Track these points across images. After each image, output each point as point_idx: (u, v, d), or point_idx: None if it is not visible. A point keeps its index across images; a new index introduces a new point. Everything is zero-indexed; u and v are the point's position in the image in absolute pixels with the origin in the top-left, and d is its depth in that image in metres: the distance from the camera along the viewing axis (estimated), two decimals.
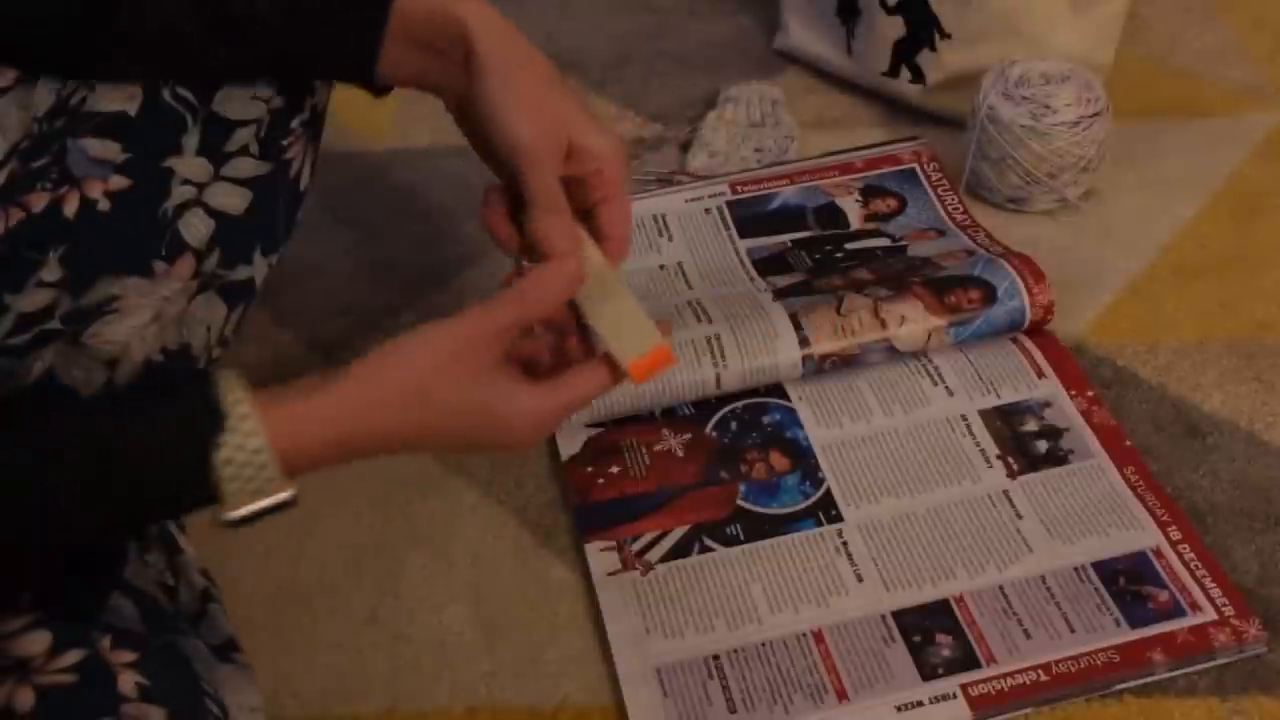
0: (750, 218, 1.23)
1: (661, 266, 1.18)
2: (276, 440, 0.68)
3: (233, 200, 0.88)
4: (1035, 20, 1.28)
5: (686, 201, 1.25)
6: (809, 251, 1.18)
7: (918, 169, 1.27)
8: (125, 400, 0.70)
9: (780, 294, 1.09)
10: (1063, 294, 1.12)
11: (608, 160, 0.82)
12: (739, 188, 1.26)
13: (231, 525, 0.69)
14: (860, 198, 1.24)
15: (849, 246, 1.18)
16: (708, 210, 1.24)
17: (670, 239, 1.21)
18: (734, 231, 1.22)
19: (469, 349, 0.74)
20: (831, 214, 1.23)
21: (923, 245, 1.17)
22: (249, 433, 0.67)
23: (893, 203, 1.24)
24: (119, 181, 0.84)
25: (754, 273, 1.16)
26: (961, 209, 1.22)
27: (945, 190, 1.24)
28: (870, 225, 1.21)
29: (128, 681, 0.66)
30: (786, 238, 1.20)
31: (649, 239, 1.21)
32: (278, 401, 0.69)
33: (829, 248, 1.18)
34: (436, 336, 0.74)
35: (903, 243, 1.18)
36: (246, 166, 0.88)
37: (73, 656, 0.66)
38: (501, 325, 0.74)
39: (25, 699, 0.63)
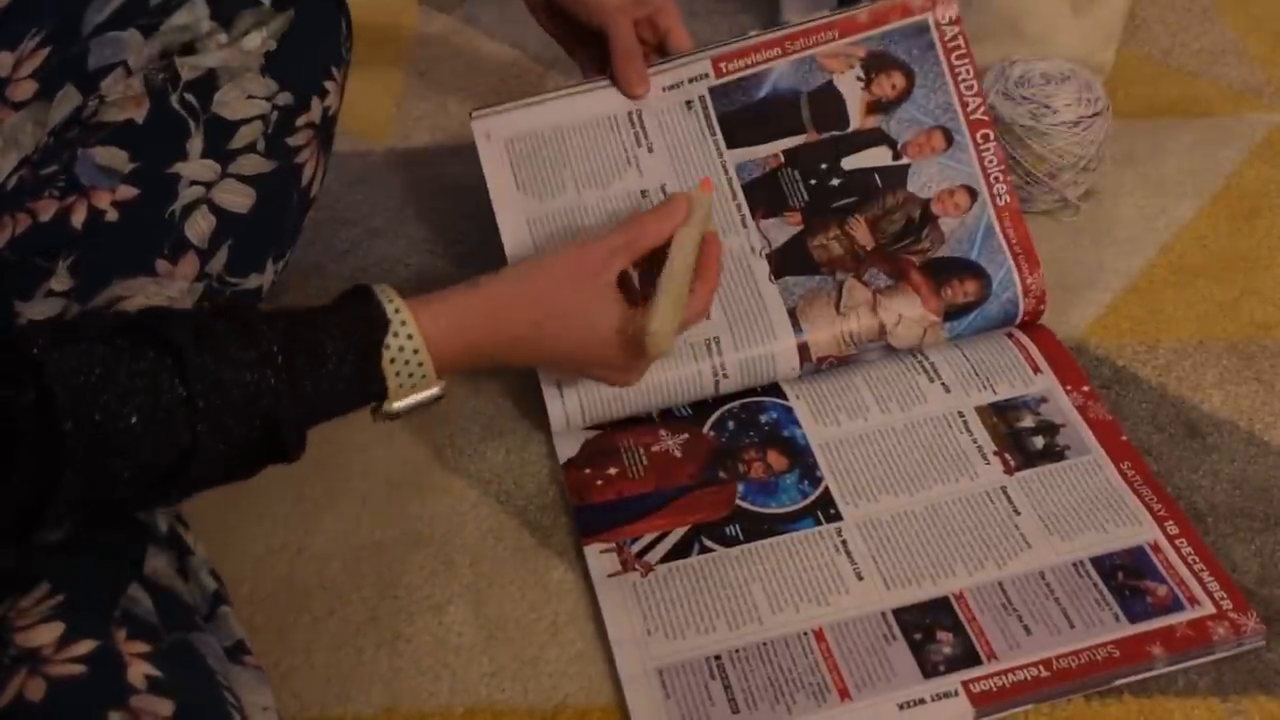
0: (737, 113, 1.10)
1: (644, 193, 1.07)
2: (429, 340, 0.80)
3: (237, 198, 0.89)
4: (1036, 20, 1.28)
5: (665, 90, 1.09)
6: (803, 172, 1.09)
7: (930, 21, 1.09)
8: (297, 314, 0.77)
9: (777, 267, 1.06)
10: (1063, 294, 1.12)
11: (664, 0, 1.07)
12: (723, 65, 1.10)
13: (389, 417, 0.81)
14: (862, 74, 1.10)
15: (847, 164, 1.09)
16: (689, 103, 1.10)
17: (650, 149, 1.09)
18: (719, 138, 1.09)
19: (581, 266, 0.89)
20: (829, 103, 1.10)
21: (927, 166, 1.09)
22: (409, 334, 0.79)
23: (899, 80, 1.10)
24: (126, 191, 0.85)
25: (746, 208, 1.08)
26: (975, 88, 1.09)
27: (960, 57, 1.09)
28: (872, 122, 1.09)
29: (138, 673, 0.67)
30: (778, 146, 1.09)
31: (626, 150, 1.09)
32: (424, 305, 0.82)
33: (825, 166, 1.09)
34: (555, 258, 0.90)
35: (905, 160, 1.09)
36: (252, 164, 0.89)
37: (84, 647, 0.67)
38: (613, 247, 0.90)
39: (36, 689, 0.64)
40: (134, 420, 0.67)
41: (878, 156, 1.09)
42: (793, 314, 1.05)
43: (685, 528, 0.96)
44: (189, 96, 0.87)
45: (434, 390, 0.82)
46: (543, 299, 0.88)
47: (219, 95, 0.88)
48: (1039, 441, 1.00)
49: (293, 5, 0.91)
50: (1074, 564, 0.92)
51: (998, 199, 1.08)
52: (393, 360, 0.79)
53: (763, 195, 1.08)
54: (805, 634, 0.89)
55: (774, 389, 1.05)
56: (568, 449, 1.03)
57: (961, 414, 1.02)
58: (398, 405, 0.81)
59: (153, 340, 0.70)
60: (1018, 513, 0.95)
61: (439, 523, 1.00)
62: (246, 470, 0.76)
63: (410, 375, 0.80)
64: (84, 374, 0.66)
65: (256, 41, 0.90)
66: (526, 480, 1.03)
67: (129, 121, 0.85)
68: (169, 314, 0.74)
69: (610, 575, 0.94)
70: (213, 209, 0.88)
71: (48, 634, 0.67)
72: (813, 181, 1.09)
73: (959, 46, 1.09)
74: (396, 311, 0.80)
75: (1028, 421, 1.01)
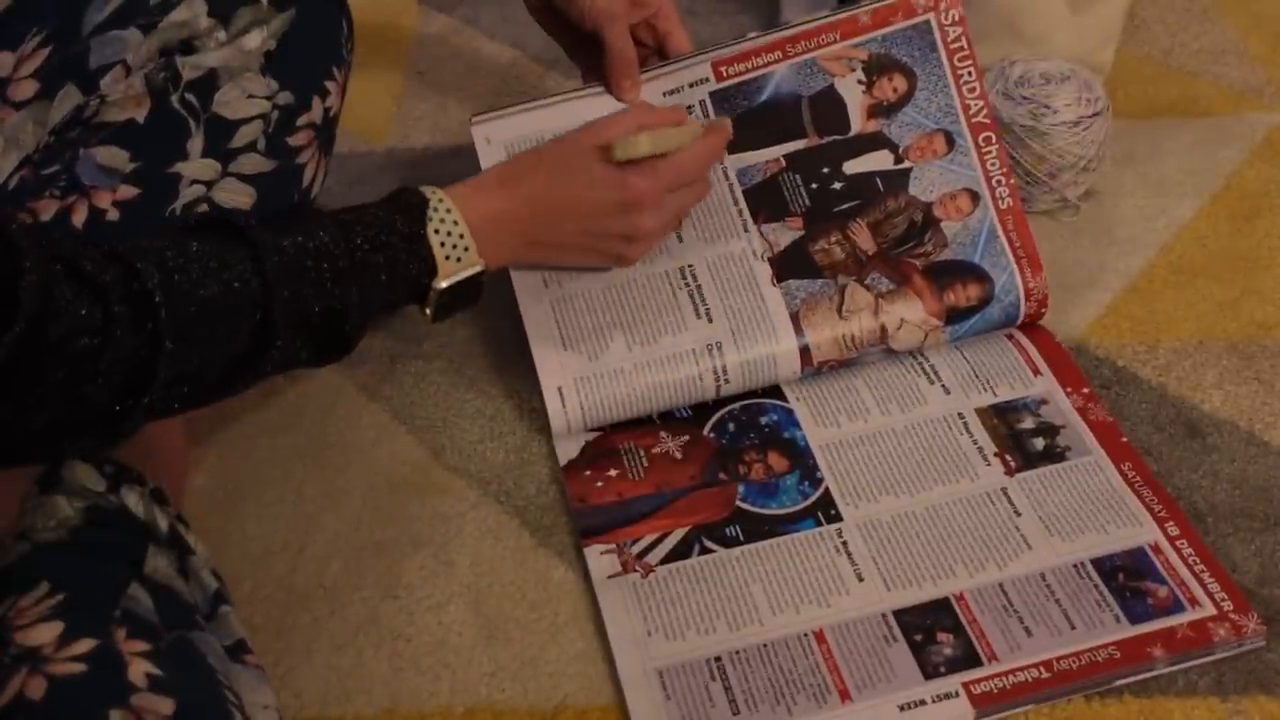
0: (738, 117, 1.08)
1: None
2: (464, 212, 0.86)
3: (238, 198, 0.89)
4: (1035, 20, 1.28)
5: (665, 95, 1.09)
6: (804, 177, 1.08)
7: (933, 22, 1.08)
8: (346, 210, 0.83)
9: (779, 271, 1.06)
10: (1063, 294, 1.12)
11: (662, 2, 1.07)
12: (724, 69, 1.09)
13: (439, 303, 0.86)
14: (863, 77, 1.09)
15: (848, 169, 1.08)
16: (689, 108, 1.08)
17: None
18: None
19: (587, 132, 0.95)
20: (830, 107, 1.09)
21: (929, 169, 1.08)
22: (448, 209, 0.85)
23: (901, 83, 1.08)
24: (127, 191, 0.85)
25: (747, 213, 1.08)
26: (977, 90, 1.08)
27: (962, 59, 1.08)
28: (873, 125, 1.09)
29: (138, 671, 0.67)
30: (779, 151, 1.09)
31: None
32: (453, 187, 0.88)
33: (826, 170, 1.09)
34: (561, 135, 0.97)
35: (906, 164, 1.08)
36: (253, 163, 0.89)
37: (84, 645, 0.67)
38: (615, 116, 0.97)
39: (37, 688, 0.64)
40: (215, 289, 0.71)
41: (879, 161, 1.09)
42: (794, 317, 1.05)
43: (685, 529, 0.96)
44: (189, 96, 0.87)
45: (478, 266, 0.87)
46: (555, 156, 0.94)
47: (219, 95, 0.88)
48: (1039, 443, 1.00)
49: (293, 5, 0.91)
50: (1075, 565, 0.92)
51: (1000, 202, 1.08)
52: (436, 231, 0.85)
53: (764, 200, 1.08)
54: (806, 635, 0.89)
55: (774, 391, 1.05)
56: (568, 450, 1.02)
57: (962, 415, 1.02)
58: (446, 283, 0.85)
59: (216, 225, 0.76)
60: (1018, 514, 0.95)
61: (439, 523, 1.00)
62: (316, 349, 0.80)
63: (454, 247, 0.85)
64: (159, 252, 0.70)
65: (256, 41, 0.90)
66: (526, 480, 1.03)
67: (130, 121, 0.85)
68: (224, 211, 0.83)
69: (610, 576, 0.94)
70: (212, 207, 0.88)
71: (48, 633, 0.67)
72: (814, 186, 1.08)
73: (962, 48, 1.08)
74: (433, 193, 0.86)
75: (1028, 423, 1.01)
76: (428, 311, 0.87)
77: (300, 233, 0.77)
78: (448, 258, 0.85)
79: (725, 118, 1.07)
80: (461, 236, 0.85)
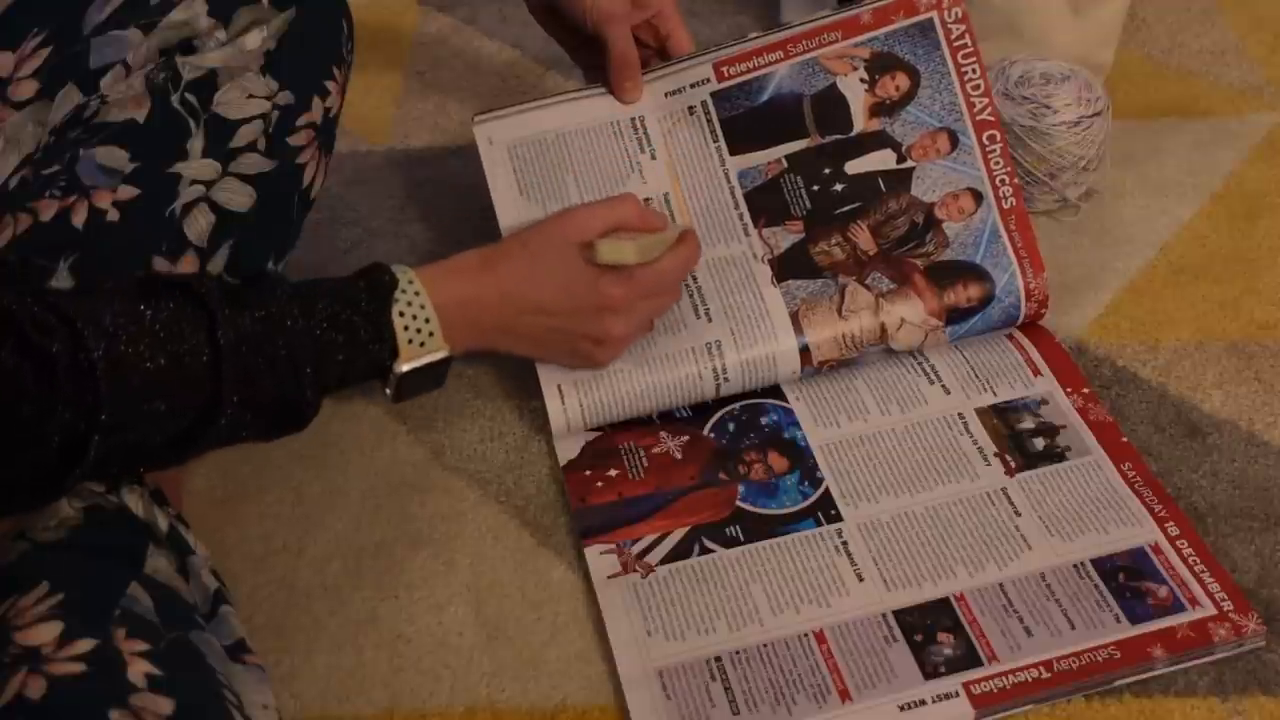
0: (739, 118, 1.08)
1: (647, 200, 1.07)
2: (434, 300, 0.84)
3: (237, 197, 0.89)
4: (1035, 20, 1.28)
5: (667, 95, 1.09)
6: (806, 178, 1.08)
7: (936, 20, 1.07)
8: (312, 282, 0.82)
9: (779, 272, 1.06)
10: (1063, 294, 1.12)
11: (663, 3, 1.07)
12: (725, 70, 1.08)
13: (400, 386, 0.84)
14: (866, 75, 1.08)
15: (850, 169, 1.08)
16: (691, 109, 1.09)
17: (653, 156, 1.09)
18: (722, 145, 1.08)
19: (565, 224, 0.93)
20: (832, 106, 1.09)
21: (932, 169, 1.08)
22: (416, 290, 0.84)
23: (903, 80, 1.08)
24: (127, 191, 0.85)
25: (748, 216, 1.08)
26: (982, 87, 1.08)
27: (966, 56, 1.08)
28: (875, 124, 1.08)
29: (137, 671, 0.67)
30: (781, 151, 1.09)
31: (630, 156, 1.08)
32: (427, 269, 0.86)
33: (828, 171, 1.08)
34: (545, 220, 0.95)
35: (909, 163, 1.08)
36: (253, 163, 0.89)
37: (83, 645, 0.67)
38: (594, 211, 0.95)
39: (36, 688, 0.64)
40: (162, 362, 0.70)
41: (882, 160, 1.08)
42: (794, 317, 1.05)
43: (685, 529, 0.96)
44: (189, 96, 0.87)
45: (443, 352, 0.85)
46: (536, 246, 0.92)
47: (219, 95, 0.88)
48: (1039, 443, 1.00)
49: (293, 5, 0.91)
50: (1075, 565, 0.92)
51: (1004, 202, 1.08)
52: (401, 314, 0.83)
53: (764, 203, 1.08)
54: (806, 635, 0.89)
55: (774, 391, 1.05)
56: (568, 450, 1.02)
57: (962, 415, 1.02)
58: (407, 366, 0.83)
59: (171, 290, 0.73)
60: (1018, 514, 0.95)
61: (439, 523, 1.00)
62: (266, 425, 0.78)
63: (419, 331, 0.83)
64: (110, 318, 0.69)
65: (256, 41, 0.90)
66: (526, 480, 1.03)
67: (130, 121, 0.86)
68: (185, 275, 0.80)
69: (610, 576, 0.94)
70: (212, 207, 0.88)
71: (47, 633, 0.67)
72: (815, 188, 1.08)
73: (966, 45, 1.07)
74: (404, 272, 0.84)
75: (1028, 423, 1.01)
76: (388, 391, 0.85)
77: (259, 306, 0.75)
78: (410, 341, 0.83)
79: (691, 228, 1.03)
80: (427, 321, 0.84)
